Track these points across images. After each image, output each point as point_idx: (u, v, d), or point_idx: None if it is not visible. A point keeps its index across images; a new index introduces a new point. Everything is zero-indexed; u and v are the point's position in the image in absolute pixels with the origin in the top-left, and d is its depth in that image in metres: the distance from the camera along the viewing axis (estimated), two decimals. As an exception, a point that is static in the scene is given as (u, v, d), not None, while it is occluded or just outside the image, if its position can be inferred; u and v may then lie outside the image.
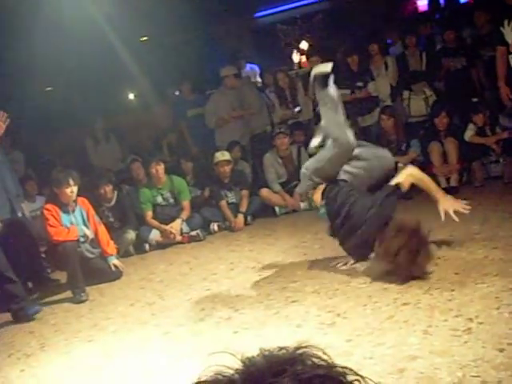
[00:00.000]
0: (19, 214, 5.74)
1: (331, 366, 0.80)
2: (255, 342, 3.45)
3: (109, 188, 6.86)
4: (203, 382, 0.81)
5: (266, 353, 0.81)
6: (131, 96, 11.88)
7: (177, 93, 9.77)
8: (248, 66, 10.41)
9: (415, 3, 11.86)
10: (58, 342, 4.36)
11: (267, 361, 0.79)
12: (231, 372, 0.79)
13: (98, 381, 3.57)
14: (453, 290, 3.68)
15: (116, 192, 7.00)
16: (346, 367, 0.80)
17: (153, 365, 3.58)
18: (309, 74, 8.41)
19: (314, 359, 0.80)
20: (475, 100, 7.29)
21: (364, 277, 4.34)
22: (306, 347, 0.81)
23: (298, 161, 7.76)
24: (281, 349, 0.82)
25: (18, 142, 8.47)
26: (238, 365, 0.80)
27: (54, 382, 3.72)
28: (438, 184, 6.78)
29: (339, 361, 0.81)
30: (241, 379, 0.78)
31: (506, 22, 5.76)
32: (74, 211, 5.82)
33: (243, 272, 5.05)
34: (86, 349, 4.12)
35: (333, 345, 3.18)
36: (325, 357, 0.80)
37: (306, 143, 8.27)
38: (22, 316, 5.00)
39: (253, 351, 0.84)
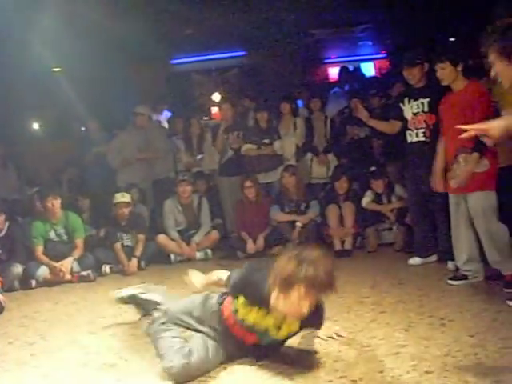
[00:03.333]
0: None
1: None
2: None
3: (0, 219, 6.56)
4: None
5: None
6: (36, 126, 11.49)
7: (83, 128, 9.60)
8: (164, 113, 10.42)
9: (326, 71, 12.39)
10: None
11: None
12: None
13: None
14: (339, 351, 3.73)
15: (7, 223, 6.71)
16: None
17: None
18: (218, 125, 8.57)
19: None
20: (373, 169, 7.58)
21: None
22: None
23: (198, 210, 7.77)
24: None
25: None
26: None
27: None
28: (333, 246, 6.99)
29: None
30: None
31: (406, 100, 6.02)
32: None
33: (132, 317, 4.89)
34: (-47, 387, 3.83)
35: None
36: None
37: (208, 193, 8.34)
38: None
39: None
